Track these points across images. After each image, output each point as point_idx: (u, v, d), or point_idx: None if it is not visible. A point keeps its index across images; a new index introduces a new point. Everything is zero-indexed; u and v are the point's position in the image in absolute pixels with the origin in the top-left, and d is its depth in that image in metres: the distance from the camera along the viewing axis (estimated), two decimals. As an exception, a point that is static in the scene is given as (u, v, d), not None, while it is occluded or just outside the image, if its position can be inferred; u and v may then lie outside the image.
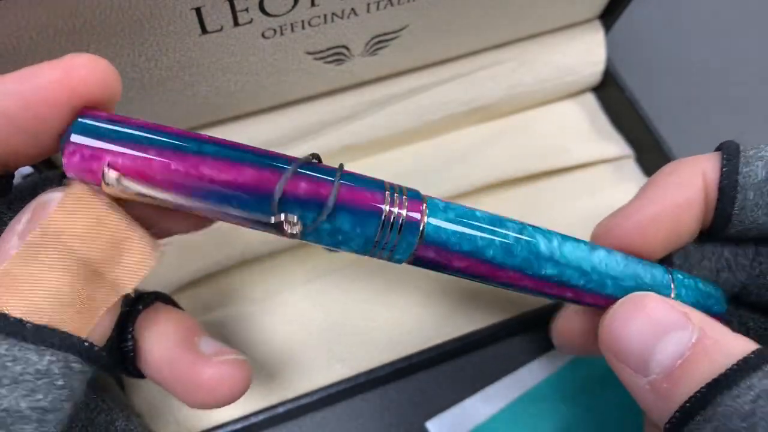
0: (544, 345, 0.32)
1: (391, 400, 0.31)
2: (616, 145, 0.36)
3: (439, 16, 0.29)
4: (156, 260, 0.17)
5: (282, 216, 0.16)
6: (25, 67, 0.21)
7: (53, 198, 0.16)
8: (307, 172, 0.17)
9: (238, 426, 0.28)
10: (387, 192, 0.18)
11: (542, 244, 0.20)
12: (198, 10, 0.23)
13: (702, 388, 0.15)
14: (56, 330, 0.15)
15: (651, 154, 0.35)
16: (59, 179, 0.19)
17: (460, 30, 0.31)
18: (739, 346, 0.16)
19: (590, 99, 0.38)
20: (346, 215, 0.17)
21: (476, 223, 0.19)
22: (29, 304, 0.15)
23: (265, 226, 0.17)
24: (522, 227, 0.20)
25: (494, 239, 0.19)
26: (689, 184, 0.21)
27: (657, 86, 0.40)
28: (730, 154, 0.20)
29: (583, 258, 0.20)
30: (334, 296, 0.31)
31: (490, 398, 0.31)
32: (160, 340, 0.19)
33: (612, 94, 0.37)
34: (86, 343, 0.15)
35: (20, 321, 0.14)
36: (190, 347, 0.19)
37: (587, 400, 0.31)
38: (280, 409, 0.28)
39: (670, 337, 0.17)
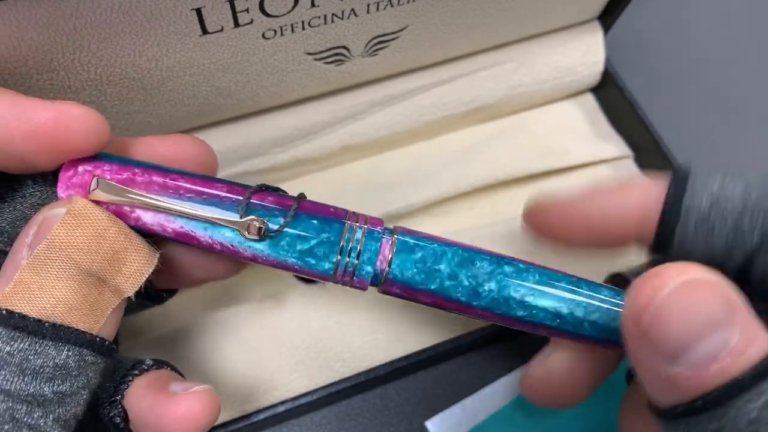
0: (543, 345, 0.32)
1: (391, 399, 0.31)
2: (615, 146, 0.36)
3: (438, 16, 0.29)
4: (152, 267, 0.18)
5: (248, 217, 0.18)
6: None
7: (56, 214, 0.17)
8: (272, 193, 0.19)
9: (239, 425, 0.28)
10: (348, 217, 0.19)
11: (512, 289, 0.20)
12: (198, 11, 0.23)
13: (719, 388, 0.15)
14: (71, 328, 0.17)
15: (650, 155, 0.35)
16: None
17: (459, 30, 0.31)
18: (764, 345, 0.15)
19: (589, 99, 0.38)
20: (310, 219, 0.19)
21: (442, 268, 0.19)
22: (41, 309, 0.16)
23: (233, 224, 0.18)
24: (494, 269, 0.20)
25: (461, 282, 0.19)
26: (629, 203, 0.22)
27: (656, 87, 0.40)
28: (677, 182, 0.21)
29: (559, 300, 0.20)
30: (334, 296, 0.31)
31: (489, 398, 0.31)
32: (140, 398, 0.20)
33: (611, 94, 0.37)
34: (97, 339, 0.17)
35: (39, 320, 0.16)
36: (162, 391, 0.20)
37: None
38: (280, 409, 0.28)
39: (712, 337, 0.15)
